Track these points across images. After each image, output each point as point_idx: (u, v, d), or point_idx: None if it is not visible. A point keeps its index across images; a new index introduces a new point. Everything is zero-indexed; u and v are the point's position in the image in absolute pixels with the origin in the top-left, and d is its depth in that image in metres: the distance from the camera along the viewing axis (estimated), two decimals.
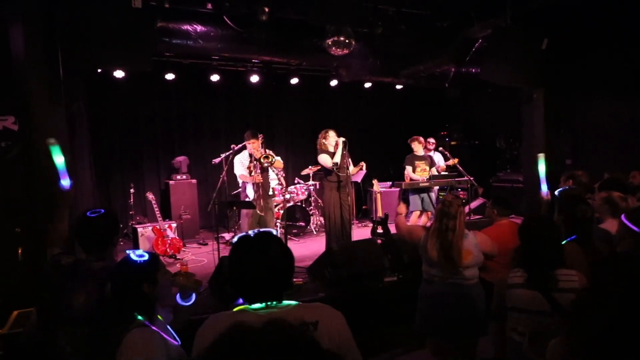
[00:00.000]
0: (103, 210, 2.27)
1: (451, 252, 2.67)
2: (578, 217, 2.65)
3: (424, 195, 6.51)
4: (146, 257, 1.82)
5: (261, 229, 1.58)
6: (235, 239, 1.55)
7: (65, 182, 2.64)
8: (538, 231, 2.24)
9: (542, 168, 3.35)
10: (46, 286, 2.20)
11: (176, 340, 1.80)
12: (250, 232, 1.54)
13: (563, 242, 2.44)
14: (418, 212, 6.56)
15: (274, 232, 1.57)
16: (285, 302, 1.46)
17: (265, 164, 5.20)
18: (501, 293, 2.24)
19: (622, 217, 2.36)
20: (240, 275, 1.48)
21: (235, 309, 1.46)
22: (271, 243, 1.50)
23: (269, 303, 1.44)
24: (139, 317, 1.68)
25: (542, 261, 2.15)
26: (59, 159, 2.67)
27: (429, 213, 6.64)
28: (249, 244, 1.50)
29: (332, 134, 5.48)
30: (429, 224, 6.67)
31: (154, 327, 1.68)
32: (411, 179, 6.59)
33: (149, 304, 1.76)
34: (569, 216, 2.66)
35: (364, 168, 5.71)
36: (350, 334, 1.50)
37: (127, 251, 1.85)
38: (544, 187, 3.24)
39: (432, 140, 6.96)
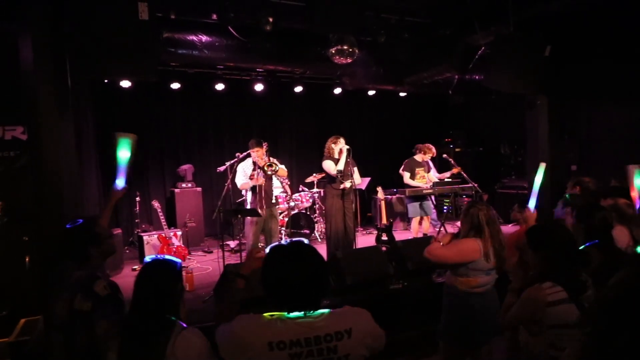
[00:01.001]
0: (81, 221, 2.27)
1: (504, 253, 2.73)
2: (597, 226, 2.62)
3: (425, 201, 6.52)
4: (179, 260, 1.89)
5: (293, 239, 1.61)
6: (268, 249, 1.57)
7: (120, 182, 2.70)
8: (560, 237, 2.17)
9: (538, 179, 3.26)
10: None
11: None
12: (283, 242, 1.58)
13: (581, 248, 2.43)
14: (418, 218, 6.55)
15: (306, 241, 1.60)
16: (319, 311, 1.48)
17: (270, 172, 5.22)
18: (533, 310, 2.07)
19: None
20: (280, 284, 1.49)
21: (269, 314, 1.47)
22: (307, 251, 1.53)
23: (307, 312, 1.45)
24: (173, 319, 1.73)
25: (573, 268, 2.09)
26: (124, 154, 2.70)
27: (429, 217, 6.64)
28: (285, 253, 1.52)
29: (342, 141, 5.52)
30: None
31: (188, 326, 1.74)
32: (409, 186, 6.58)
33: (179, 305, 1.81)
34: (589, 224, 2.63)
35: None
36: (375, 325, 1.57)
37: (154, 256, 1.89)
38: (532, 202, 3.15)
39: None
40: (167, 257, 1.87)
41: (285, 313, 1.45)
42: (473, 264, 2.72)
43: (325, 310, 1.49)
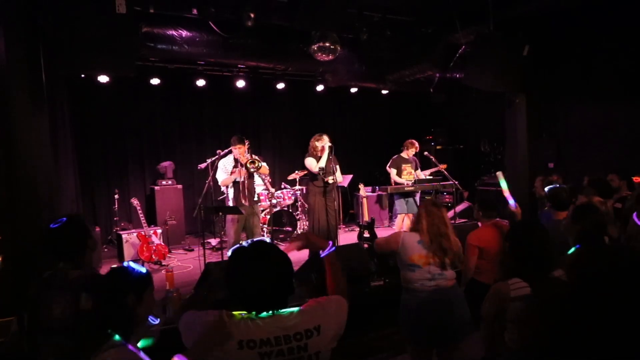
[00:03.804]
0: (65, 219, 2.21)
1: (444, 242, 2.70)
2: (591, 228, 2.64)
3: (409, 198, 6.58)
4: (143, 271, 1.75)
5: (254, 239, 1.58)
6: (230, 252, 1.54)
7: None
8: (532, 236, 2.20)
9: (503, 185, 3.42)
10: (27, 298, 2.17)
11: None
12: (244, 243, 1.54)
13: (572, 249, 2.45)
14: (403, 215, 6.60)
15: (267, 240, 1.57)
16: (288, 309, 1.47)
17: (252, 169, 5.19)
18: (498, 304, 2.13)
19: (634, 215, 2.37)
20: (244, 287, 1.47)
21: (239, 313, 1.45)
22: (270, 251, 1.50)
23: (275, 311, 1.44)
24: (116, 337, 1.54)
25: (542, 266, 2.11)
26: None
27: (411, 215, 6.70)
28: (248, 254, 1.49)
29: (325, 138, 5.49)
30: (406, 227, 6.75)
31: (131, 347, 1.56)
32: (395, 183, 6.63)
33: (128, 321, 1.62)
34: (583, 227, 2.65)
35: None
36: (340, 312, 1.58)
37: (127, 262, 1.79)
38: (511, 201, 3.31)
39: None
40: (133, 264, 1.74)
41: (254, 313, 1.44)
42: (399, 257, 2.79)
43: (295, 309, 1.48)
